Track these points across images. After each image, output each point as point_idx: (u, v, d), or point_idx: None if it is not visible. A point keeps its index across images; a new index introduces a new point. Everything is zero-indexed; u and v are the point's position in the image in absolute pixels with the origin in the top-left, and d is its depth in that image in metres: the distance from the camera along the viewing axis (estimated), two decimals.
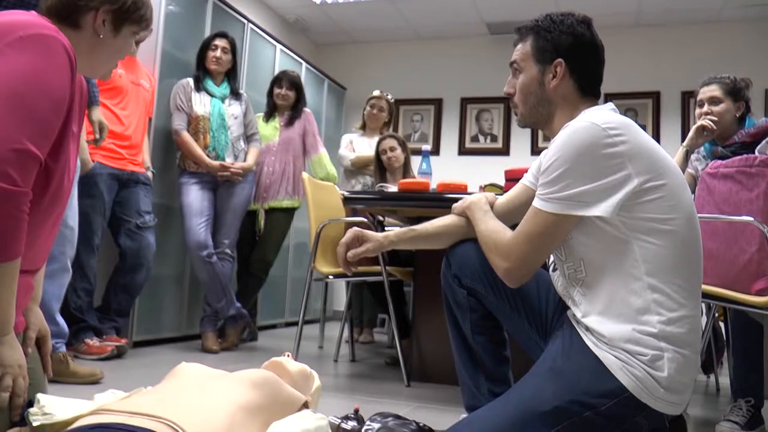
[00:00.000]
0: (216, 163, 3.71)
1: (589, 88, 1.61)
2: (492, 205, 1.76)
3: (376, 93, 4.64)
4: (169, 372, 1.51)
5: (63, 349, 2.64)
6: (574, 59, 1.58)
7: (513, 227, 1.59)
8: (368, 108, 4.63)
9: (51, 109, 1.22)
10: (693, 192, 2.55)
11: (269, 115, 4.25)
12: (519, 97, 1.66)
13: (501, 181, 3.06)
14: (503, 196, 1.85)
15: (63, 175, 1.33)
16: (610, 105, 1.58)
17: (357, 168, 4.44)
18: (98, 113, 2.95)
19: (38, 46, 1.20)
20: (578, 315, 1.49)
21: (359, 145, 4.58)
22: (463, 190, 2.95)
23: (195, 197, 3.73)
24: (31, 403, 1.35)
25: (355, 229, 1.80)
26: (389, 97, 4.66)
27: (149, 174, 3.54)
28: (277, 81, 4.23)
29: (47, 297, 2.52)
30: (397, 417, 1.79)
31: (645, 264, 1.39)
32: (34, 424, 1.29)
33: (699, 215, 1.65)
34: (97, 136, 2.92)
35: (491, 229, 1.64)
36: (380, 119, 4.63)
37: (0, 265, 1.19)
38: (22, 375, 1.30)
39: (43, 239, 1.38)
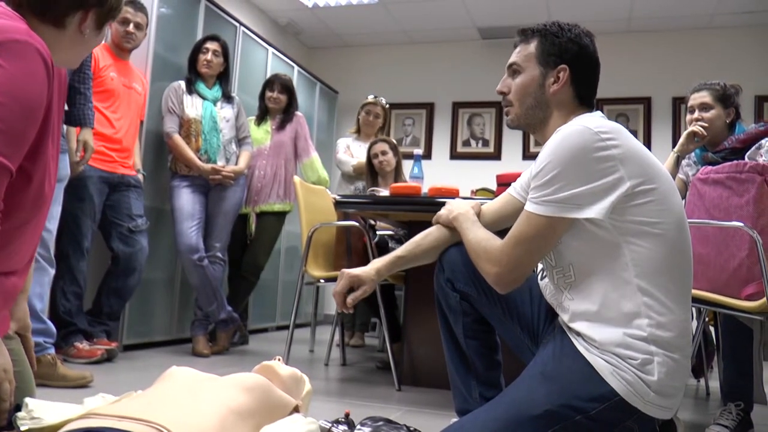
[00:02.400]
0: (208, 166, 3.70)
1: (585, 98, 1.62)
2: (479, 215, 1.76)
3: (371, 98, 4.62)
4: (159, 376, 1.51)
5: (52, 351, 2.62)
6: (577, 68, 1.59)
7: (502, 234, 1.59)
8: (363, 114, 4.62)
9: (22, 117, 1.19)
10: (684, 197, 2.56)
11: (261, 119, 4.24)
12: (515, 96, 1.65)
13: (492, 186, 3.06)
14: (490, 204, 1.85)
15: (44, 178, 1.32)
16: (599, 113, 1.59)
17: (358, 174, 4.43)
18: (88, 134, 2.91)
19: (10, 53, 1.16)
20: (567, 319, 1.49)
21: (356, 150, 4.57)
22: (454, 194, 2.95)
23: (186, 200, 3.72)
24: (19, 407, 1.34)
25: (346, 272, 1.75)
26: (384, 102, 4.65)
27: (140, 176, 3.52)
28: (268, 84, 4.23)
29: (32, 299, 2.50)
30: (388, 421, 1.79)
31: (635, 267, 1.40)
32: (22, 428, 1.29)
33: (690, 220, 1.66)
34: (76, 159, 2.87)
35: (480, 237, 1.64)
36: (375, 125, 4.62)
37: None
38: (8, 379, 1.28)
39: (27, 242, 1.37)
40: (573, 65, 1.59)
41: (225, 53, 3.86)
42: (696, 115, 2.76)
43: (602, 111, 1.65)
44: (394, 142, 4.23)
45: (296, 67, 5.60)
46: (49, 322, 2.64)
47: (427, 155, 6.39)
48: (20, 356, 1.49)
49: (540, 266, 1.68)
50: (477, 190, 3.21)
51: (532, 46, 1.63)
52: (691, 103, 2.80)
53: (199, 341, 3.72)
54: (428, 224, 1.89)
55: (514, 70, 1.66)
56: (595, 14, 5.60)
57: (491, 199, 1.87)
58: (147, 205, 3.59)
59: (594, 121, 1.45)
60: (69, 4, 1.34)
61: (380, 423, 1.77)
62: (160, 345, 3.90)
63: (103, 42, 3.46)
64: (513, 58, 1.67)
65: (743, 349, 2.39)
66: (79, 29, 1.38)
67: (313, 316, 4.44)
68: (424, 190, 3.30)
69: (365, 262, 3.21)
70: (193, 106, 3.76)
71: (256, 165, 4.13)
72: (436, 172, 5.96)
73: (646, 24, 5.83)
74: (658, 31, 5.91)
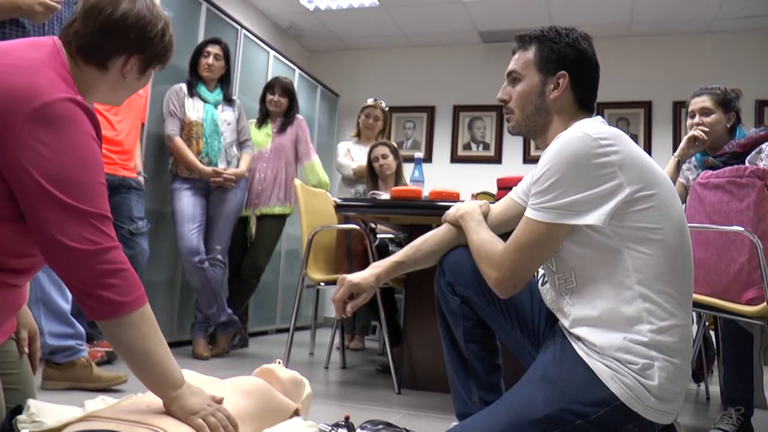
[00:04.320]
0: (209, 168, 3.71)
1: (585, 102, 1.62)
2: (486, 216, 1.76)
3: (371, 102, 4.63)
4: None
5: (84, 353, 2.64)
6: (577, 73, 1.59)
7: (504, 237, 1.59)
8: (363, 117, 4.62)
9: (97, 171, 1.25)
10: (684, 202, 2.57)
11: (262, 122, 4.24)
12: (516, 104, 1.65)
13: (493, 189, 3.06)
14: (492, 207, 1.85)
15: None
16: (599, 118, 1.60)
17: (358, 177, 4.44)
18: None
19: (63, 119, 1.20)
20: (568, 324, 1.49)
21: (356, 154, 4.57)
22: (455, 198, 2.96)
23: (187, 203, 3.72)
24: (20, 410, 1.34)
25: (346, 280, 1.73)
26: (383, 105, 4.66)
27: (141, 178, 3.52)
28: (269, 87, 4.23)
29: (58, 302, 2.54)
30: (388, 425, 1.79)
31: (636, 273, 1.40)
32: (23, 431, 1.29)
33: (690, 225, 1.66)
34: None
35: (483, 239, 1.64)
36: (375, 128, 4.62)
37: (123, 317, 1.23)
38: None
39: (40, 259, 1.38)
40: (572, 70, 1.59)
41: (226, 56, 3.87)
42: (696, 119, 2.76)
43: (603, 115, 1.66)
44: (395, 145, 4.23)
45: (297, 70, 5.61)
46: (78, 325, 2.65)
47: (428, 159, 6.40)
48: (18, 358, 1.50)
49: (541, 271, 1.68)
50: (477, 194, 3.21)
51: (531, 53, 1.63)
52: (691, 107, 2.80)
53: (199, 344, 3.72)
54: (429, 227, 1.89)
55: (513, 78, 1.66)
56: (596, 18, 5.61)
57: (492, 203, 1.87)
58: (148, 207, 3.59)
59: (594, 127, 1.45)
60: (112, 50, 1.37)
61: (380, 426, 1.77)
62: None
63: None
64: (512, 66, 1.67)
65: (744, 353, 2.39)
66: (121, 73, 1.40)
67: (314, 319, 4.44)
68: (425, 193, 3.29)
69: (365, 265, 3.22)
70: (195, 109, 3.76)
71: (257, 168, 4.13)
72: (437, 176, 5.96)
73: (646, 28, 5.83)
74: (659, 35, 5.92)
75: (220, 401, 1.35)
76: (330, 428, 1.73)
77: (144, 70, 1.44)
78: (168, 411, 1.30)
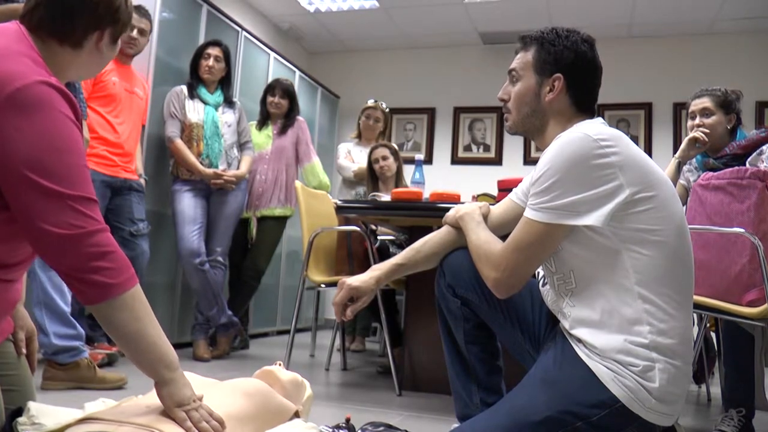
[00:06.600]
0: (209, 170, 3.71)
1: (583, 105, 1.62)
2: (485, 217, 1.76)
3: (371, 103, 4.63)
4: None
5: (86, 354, 2.66)
6: (573, 76, 1.59)
7: (505, 239, 1.59)
8: (363, 118, 4.62)
9: (77, 154, 1.24)
10: (685, 203, 2.56)
11: (262, 123, 4.25)
12: (513, 104, 1.66)
13: (494, 191, 3.06)
14: (492, 209, 1.84)
15: None
16: (600, 119, 1.59)
17: (359, 179, 4.44)
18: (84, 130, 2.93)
19: (38, 103, 1.19)
20: (568, 326, 1.49)
21: (356, 155, 4.57)
22: (455, 199, 2.95)
23: (188, 205, 3.72)
24: (20, 412, 1.34)
25: (345, 284, 1.73)
26: (384, 106, 4.65)
27: (142, 181, 3.52)
28: (270, 89, 4.24)
29: (59, 304, 2.56)
30: (389, 426, 1.79)
31: (636, 274, 1.40)
32: None
33: (691, 226, 1.66)
34: None
35: (482, 239, 1.64)
36: (376, 129, 4.62)
37: (114, 299, 1.22)
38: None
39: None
40: (568, 73, 1.58)
41: (227, 58, 3.87)
42: (697, 121, 2.76)
43: (603, 116, 1.65)
44: (395, 147, 4.22)
45: (298, 72, 5.61)
46: (79, 326, 2.67)
47: (428, 160, 6.40)
48: (16, 359, 1.49)
49: (541, 272, 1.68)
50: (478, 196, 3.21)
51: (530, 54, 1.63)
52: (692, 108, 2.80)
53: (200, 345, 3.72)
54: (430, 229, 1.89)
55: (513, 77, 1.67)
56: (596, 20, 5.61)
57: (492, 204, 1.87)
58: (148, 209, 3.59)
59: (594, 128, 1.45)
60: (85, 28, 1.36)
61: (381, 428, 1.78)
62: None
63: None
64: (512, 65, 1.67)
65: (745, 355, 2.39)
66: (96, 47, 1.39)
67: (314, 321, 4.43)
68: (425, 195, 3.29)
69: (366, 266, 3.22)
70: (195, 111, 3.76)
71: (258, 169, 4.13)
72: (438, 177, 5.95)
73: (646, 30, 5.83)
74: (659, 37, 5.92)
75: (200, 398, 1.34)
76: (331, 430, 1.73)
77: (115, 40, 1.44)
78: (158, 394, 1.30)
